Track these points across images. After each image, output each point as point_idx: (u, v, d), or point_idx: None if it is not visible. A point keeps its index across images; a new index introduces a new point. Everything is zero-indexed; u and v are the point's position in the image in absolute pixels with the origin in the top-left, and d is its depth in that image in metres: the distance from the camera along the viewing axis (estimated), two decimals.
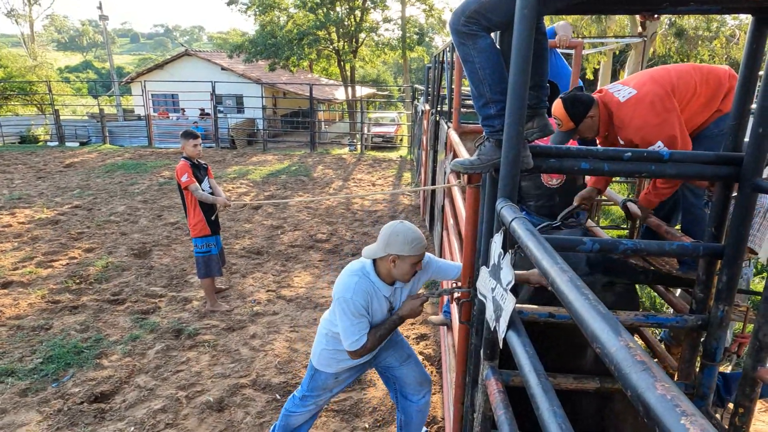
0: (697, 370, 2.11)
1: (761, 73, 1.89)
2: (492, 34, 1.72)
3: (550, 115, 2.59)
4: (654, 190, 2.47)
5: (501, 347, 1.49)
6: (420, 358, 3.97)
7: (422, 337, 4.29)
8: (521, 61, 1.53)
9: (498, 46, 1.76)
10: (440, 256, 4.93)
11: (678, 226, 2.79)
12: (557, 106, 2.50)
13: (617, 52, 16.57)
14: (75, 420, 3.19)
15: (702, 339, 2.06)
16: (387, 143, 18.71)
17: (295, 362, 3.91)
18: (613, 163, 1.84)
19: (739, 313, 2.12)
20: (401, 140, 19.65)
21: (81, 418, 3.21)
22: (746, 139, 1.82)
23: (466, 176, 2.09)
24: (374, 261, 2.29)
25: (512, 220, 1.42)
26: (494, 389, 1.64)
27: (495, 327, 1.52)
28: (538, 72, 1.88)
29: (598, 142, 2.67)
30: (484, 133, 1.81)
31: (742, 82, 1.82)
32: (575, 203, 2.74)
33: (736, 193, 1.80)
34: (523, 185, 3.11)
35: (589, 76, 20.85)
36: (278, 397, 3.48)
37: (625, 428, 2.63)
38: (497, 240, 1.59)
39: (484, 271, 1.70)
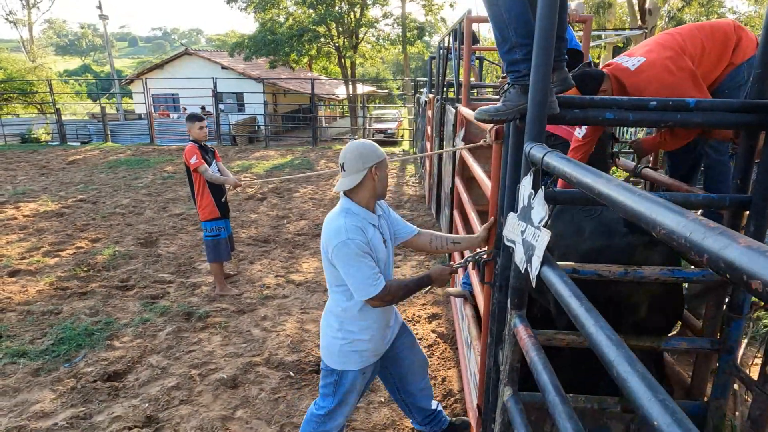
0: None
1: None
2: None
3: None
4: (662, 140, 2.46)
5: (533, 286, 1.46)
6: (433, 336, 3.95)
7: (434, 317, 4.26)
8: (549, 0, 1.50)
9: None
10: None
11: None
12: None
13: (621, 44, 16.55)
14: (89, 397, 3.16)
15: (727, 294, 2.04)
16: (389, 138, 18.69)
17: (307, 342, 3.89)
18: (638, 112, 1.82)
19: None
20: (402, 135, 19.63)
21: (95, 395, 3.18)
22: None
23: (493, 131, 2.06)
24: (348, 196, 2.15)
25: (544, 155, 1.40)
26: (524, 335, 1.61)
27: (526, 268, 1.49)
28: (558, 22, 1.85)
29: None
30: (508, 80, 1.78)
31: (767, 28, 1.79)
32: None
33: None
34: None
35: None
36: (292, 374, 3.46)
37: None
38: (526, 182, 1.57)
39: (511, 217, 1.68)
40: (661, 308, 2.19)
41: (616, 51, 21.70)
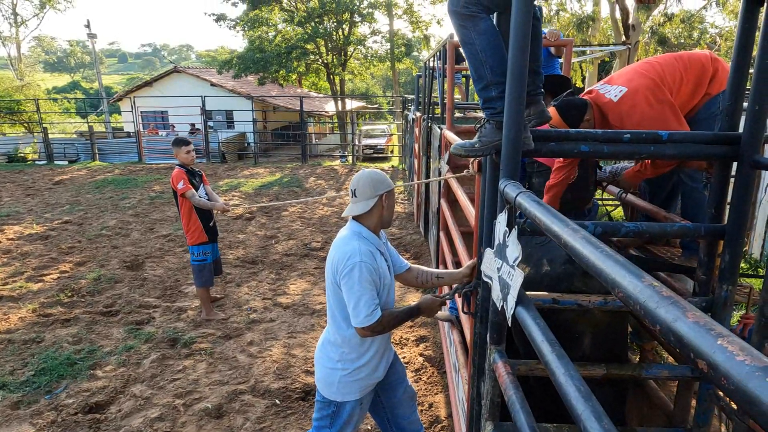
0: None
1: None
2: (491, 16, 1.73)
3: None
4: (643, 169, 2.50)
5: (509, 325, 1.47)
6: (420, 360, 3.93)
7: (422, 339, 4.24)
8: (520, 41, 1.53)
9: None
10: (437, 258, 4.91)
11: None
12: (552, 113, 2.49)
13: (607, 59, 16.84)
14: (69, 431, 3.10)
15: None
16: (378, 154, 18.76)
17: (293, 367, 3.85)
18: (612, 145, 1.84)
19: (744, 294, 2.12)
20: (392, 151, 19.72)
21: (75, 429, 3.12)
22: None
23: (476, 163, 2.08)
24: (357, 221, 2.18)
25: (517, 195, 1.41)
26: (503, 372, 1.61)
27: (502, 306, 1.50)
28: (533, 58, 1.88)
29: None
30: (484, 116, 1.80)
31: (736, 61, 1.84)
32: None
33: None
34: (534, 182, 3.12)
35: (579, 84, 21.16)
36: (278, 402, 3.42)
37: (632, 418, 2.61)
38: (501, 219, 1.58)
39: (488, 253, 1.69)
40: (604, 339, 2.21)
41: (602, 65, 22.07)
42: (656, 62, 2.39)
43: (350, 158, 16.56)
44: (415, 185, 8.66)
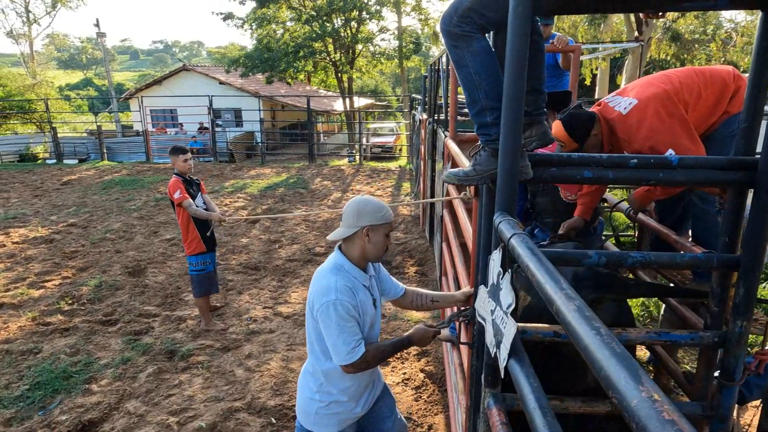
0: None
1: None
2: (486, 36, 1.61)
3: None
4: (653, 189, 2.37)
5: (503, 376, 1.36)
6: (421, 376, 3.83)
7: (423, 354, 4.14)
8: (517, 64, 1.41)
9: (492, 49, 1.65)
10: (440, 269, 4.80)
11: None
12: (558, 127, 2.39)
13: (620, 54, 16.54)
14: None
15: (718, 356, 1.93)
16: (386, 153, 18.63)
17: (291, 383, 3.77)
18: (618, 170, 1.72)
19: (759, 326, 1.99)
20: (400, 150, 19.57)
21: None
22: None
23: (472, 188, 1.96)
24: (342, 251, 2.09)
25: (511, 236, 1.29)
26: (496, 420, 1.50)
27: (495, 353, 1.39)
28: (535, 76, 1.76)
29: None
30: (479, 141, 1.69)
31: (752, 81, 1.70)
32: (562, 231, 2.70)
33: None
34: (539, 201, 3.01)
35: (588, 81, 20.84)
36: (273, 420, 3.34)
37: None
38: (496, 258, 1.47)
39: (483, 291, 1.57)
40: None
41: (613, 62, 21.70)
42: (674, 75, 2.26)
43: (358, 157, 16.46)
44: (421, 188, 8.54)
